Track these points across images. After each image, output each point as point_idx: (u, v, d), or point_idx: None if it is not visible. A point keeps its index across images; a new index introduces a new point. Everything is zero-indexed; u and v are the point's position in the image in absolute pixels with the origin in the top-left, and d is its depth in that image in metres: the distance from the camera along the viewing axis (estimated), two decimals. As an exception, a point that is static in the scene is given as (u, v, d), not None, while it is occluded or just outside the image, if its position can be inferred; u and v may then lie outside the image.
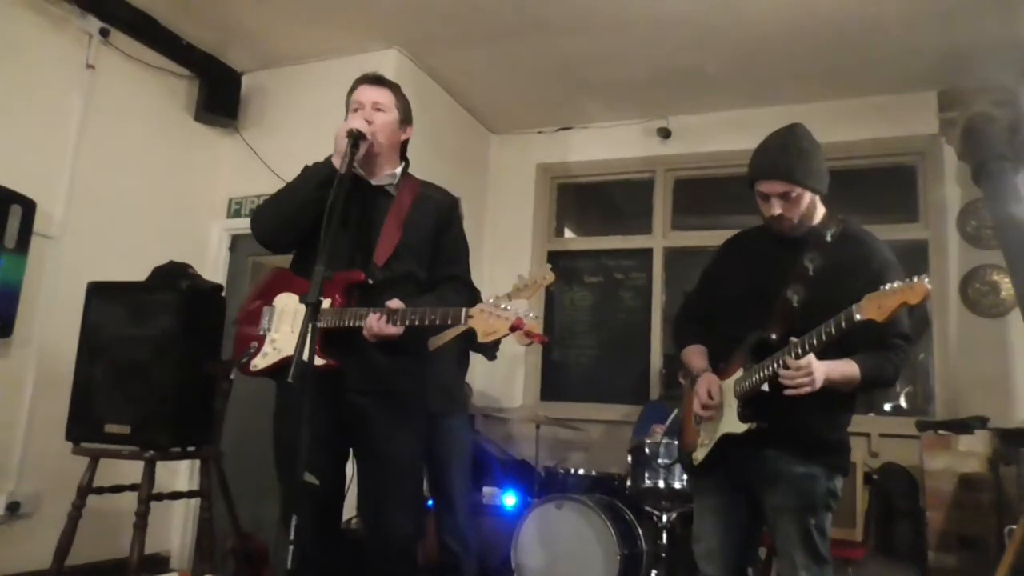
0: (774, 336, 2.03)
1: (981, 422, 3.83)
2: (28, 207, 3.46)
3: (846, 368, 1.97)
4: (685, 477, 3.29)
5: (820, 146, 2.13)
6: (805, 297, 2.04)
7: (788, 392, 1.94)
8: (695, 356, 2.33)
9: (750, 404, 2.08)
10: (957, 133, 4.43)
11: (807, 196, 2.09)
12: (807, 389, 1.91)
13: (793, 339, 1.91)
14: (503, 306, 1.92)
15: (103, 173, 3.98)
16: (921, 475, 3.90)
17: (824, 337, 1.87)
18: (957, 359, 4.30)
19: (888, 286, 1.76)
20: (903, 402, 4.51)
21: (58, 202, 3.73)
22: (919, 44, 4.04)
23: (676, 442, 3.33)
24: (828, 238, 2.09)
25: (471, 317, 1.94)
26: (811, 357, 1.91)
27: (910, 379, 4.48)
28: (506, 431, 4.94)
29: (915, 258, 4.34)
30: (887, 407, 4.51)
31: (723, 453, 2.16)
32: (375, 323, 2.03)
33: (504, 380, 5.04)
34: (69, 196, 3.78)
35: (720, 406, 2.16)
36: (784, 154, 2.08)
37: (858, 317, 1.80)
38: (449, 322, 2.00)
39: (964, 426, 3.85)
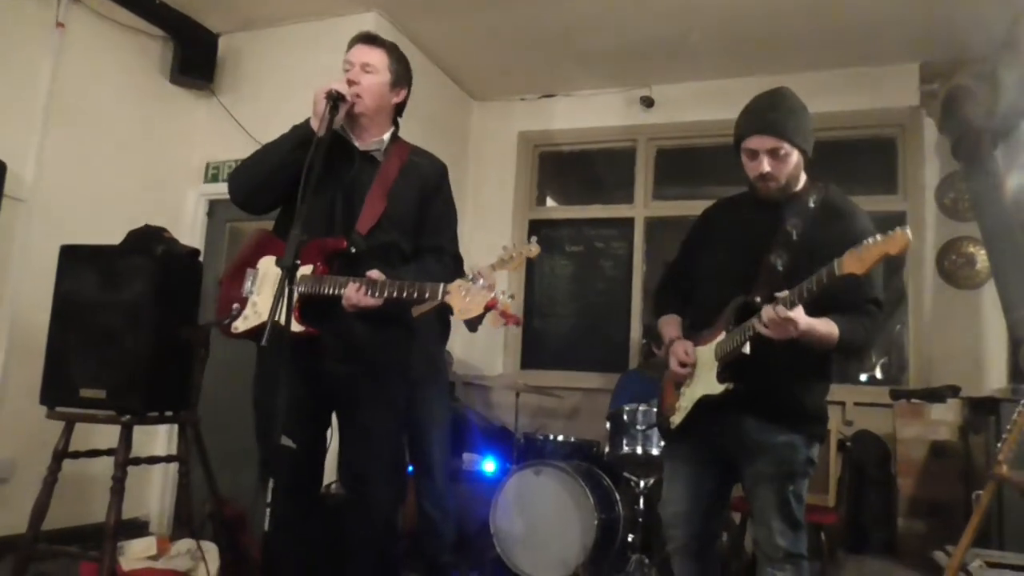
0: (759, 299, 2.04)
1: (953, 391, 3.91)
2: (-2, 169, 3.39)
3: (825, 325, 1.97)
4: (662, 443, 3.33)
5: (807, 107, 2.13)
6: (788, 262, 2.05)
7: (766, 332, 1.93)
8: (669, 325, 2.35)
9: (729, 367, 2.09)
10: (938, 105, 4.46)
11: (795, 155, 2.08)
12: (791, 334, 1.91)
13: (778, 295, 1.92)
14: (480, 282, 1.92)
15: (75, 135, 3.90)
16: (894, 443, 3.98)
17: (806, 294, 1.88)
18: (931, 330, 4.37)
19: (869, 240, 1.79)
20: (878, 373, 4.58)
21: (28, 164, 3.66)
22: (902, 16, 4.03)
23: (653, 408, 3.39)
24: (811, 204, 2.10)
25: (448, 293, 1.95)
26: (799, 308, 1.91)
27: (885, 350, 4.55)
28: (486, 398, 4.97)
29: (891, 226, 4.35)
30: (863, 377, 4.58)
31: (700, 418, 2.17)
32: (353, 294, 2.02)
33: (485, 348, 5.06)
34: (40, 158, 3.71)
35: (696, 368, 2.18)
36: (774, 111, 2.08)
37: (839, 272, 1.82)
38: (427, 297, 2.00)
39: (936, 395, 3.92)
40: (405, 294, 2.01)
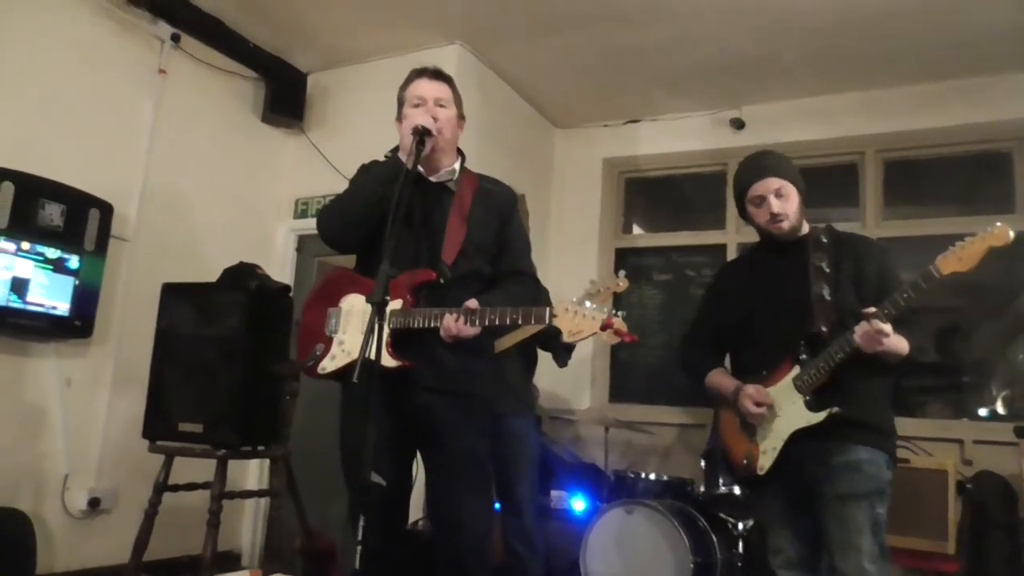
0: (824, 329, 2.17)
1: (1087, 427, 3.63)
2: (105, 210, 3.63)
3: (899, 340, 2.09)
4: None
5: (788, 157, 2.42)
6: (832, 292, 2.21)
7: (861, 344, 2.05)
8: (722, 377, 2.44)
9: (819, 393, 2.18)
10: (1059, 116, 4.22)
11: (795, 194, 2.32)
12: (881, 347, 2.05)
13: (868, 310, 2.03)
14: (588, 303, 1.93)
15: (174, 176, 4.15)
16: (1020, 484, 3.72)
17: (903, 302, 2.01)
18: (1061, 360, 4.08)
19: (967, 238, 1.93)
20: (1000, 407, 4.30)
21: (132, 205, 3.91)
22: (1018, 21, 3.84)
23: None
24: (824, 239, 2.30)
25: (555, 316, 1.95)
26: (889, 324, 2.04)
27: (1008, 382, 4.28)
28: (574, 434, 4.93)
29: (1011, 251, 4.13)
30: (982, 412, 4.32)
31: (793, 450, 2.21)
32: (453, 324, 2.04)
33: (572, 382, 5.01)
34: (142, 199, 3.96)
35: (772, 409, 2.25)
36: (766, 158, 2.37)
37: (939, 274, 1.95)
38: (533, 321, 2.01)
39: (1068, 432, 3.65)
40: (508, 320, 2.03)
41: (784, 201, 2.29)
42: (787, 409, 2.22)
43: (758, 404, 2.26)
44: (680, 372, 2.64)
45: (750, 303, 2.39)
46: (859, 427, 2.16)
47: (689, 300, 5.12)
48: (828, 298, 2.20)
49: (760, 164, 2.36)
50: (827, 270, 2.23)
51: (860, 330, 2.05)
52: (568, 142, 5.53)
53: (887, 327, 2.01)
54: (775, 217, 2.29)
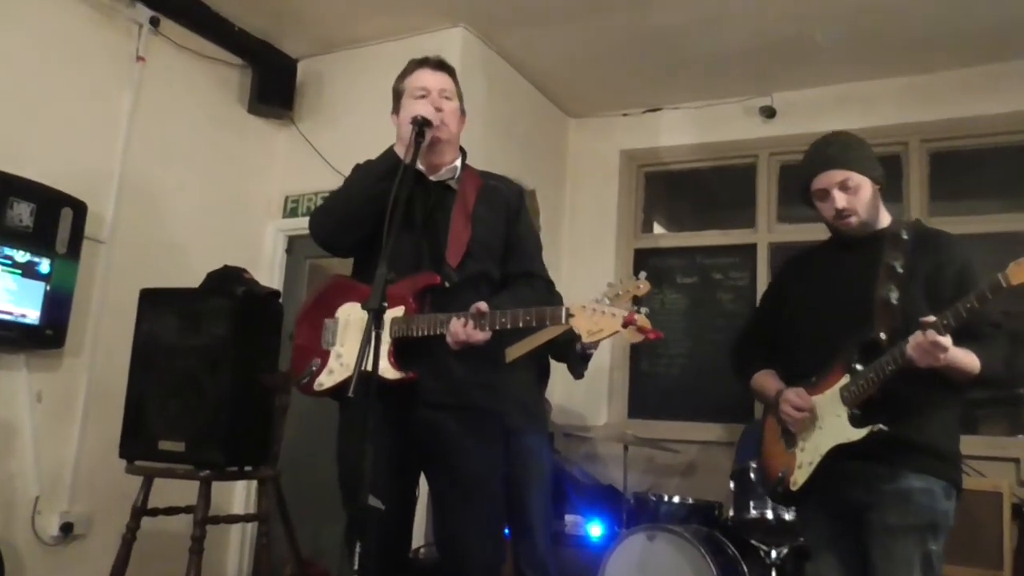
0: (883, 336, 2.12)
1: None
2: (79, 210, 3.67)
3: (966, 355, 2.04)
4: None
5: (864, 141, 2.34)
6: (901, 295, 2.14)
7: (914, 357, 1.99)
8: (767, 378, 2.43)
9: (864, 409, 2.13)
10: None
11: (866, 185, 2.25)
12: (938, 362, 1.98)
13: (926, 319, 1.99)
14: (606, 301, 1.95)
15: (153, 172, 4.18)
16: (1084, 507, 3.71)
17: (965, 312, 1.95)
18: None
19: None
20: (1060, 422, 4.29)
21: (108, 204, 3.95)
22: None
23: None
24: (903, 235, 2.22)
25: (572, 316, 1.96)
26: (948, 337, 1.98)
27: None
28: (590, 452, 4.94)
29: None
30: (1041, 428, 4.31)
31: (825, 472, 2.19)
32: (461, 329, 2.05)
33: (587, 395, 5.02)
34: (119, 197, 3.99)
35: (815, 419, 2.22)
36: (831, 146, 2.30)
37: (1006, 283, 1.89)
38: (548, 322, 2.03)
39: None
40: (521, 323, 2.04)
41: (852, 194, 2.24)
42: (829, 421, 2.19)
43: (798, 409, 2.23)
44: (730, 373, 2.62)
45: (808, 302, 2.36)
46: (912, 450, 2.11)
47: (716, 305, 5.12)
48: (894, 302, 2.14)
49: (822, 154, 2.30)
50: (899, 271, 2.17)
51: (914, 340, 1.99)
52: (582, 133, 5.55)
53: (945, 340, 1.95)
54: (840, 213, 2.25)
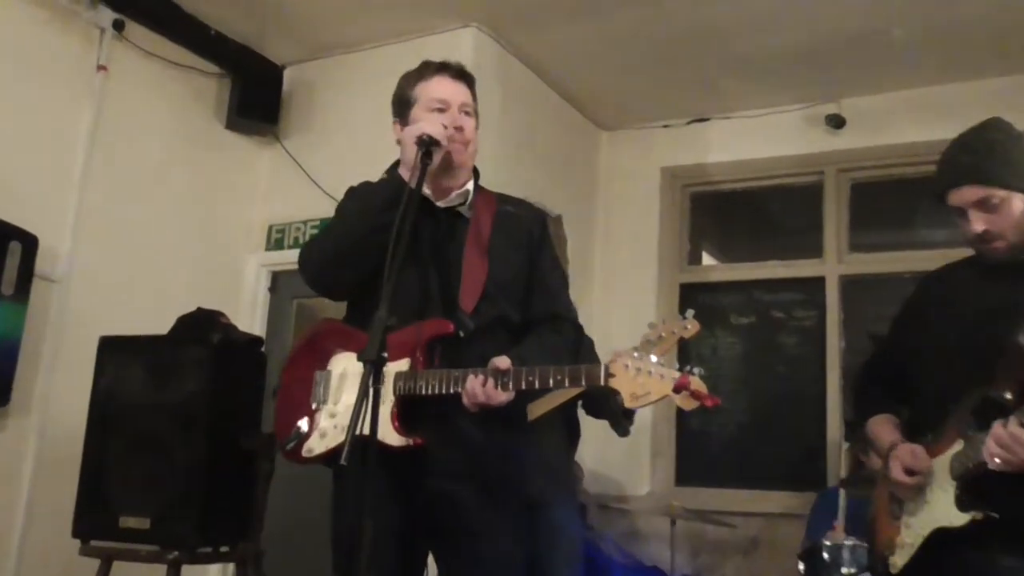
0: (1008, 396, 1.98)
1: None
2: (29, 243, 3.69)
3: None
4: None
5: (1022, 135, 2.17)
6: None
7: (996, 464, 1.89)
8: (883, 426, 2.34)
9: (973, 487, 2.03)
10: None
11: (1016, 200, 2.11)
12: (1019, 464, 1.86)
13: (1006, 395, 1.91)
14: (653, 357, 1.91)
15: (115, 199, 4.22)
16: None
17: None
18: None
19: None
20: None
21: (64, 237, 3.97)
22: None
23: (865, 544, 3.23)
24: None
25: (612, 376, 1.93)
26: None
27: None
28: (630, 527, 4.89)
29: None
30: None
31: (932, 557, 2.10)
32: (480, 389, 2.03)
33: (626, 458, 4.98)
34: (76, 229, 4.02)
35: (927, 487, 2.13)
36: (969, 152, 2.15)
37: None
38: (583, 383, 2.01)
39: None
40: (552, 381, 2.02)
41: (995, 215, 2.11)
42: (937, 496, 2.10)
43: (909, 472, 2.14)
44: (850, 410, 2.57)
45: (935, 336, 2.25)
46: (1011, 529, 1.99)
47: (778, 350, 5.08)
48: None
49: (954, 163, 2.17)
50: None
51: (993, 436, 1.89)
52: (616, 148, 5.58)
53: None
54: (981, 237, 2.14)
